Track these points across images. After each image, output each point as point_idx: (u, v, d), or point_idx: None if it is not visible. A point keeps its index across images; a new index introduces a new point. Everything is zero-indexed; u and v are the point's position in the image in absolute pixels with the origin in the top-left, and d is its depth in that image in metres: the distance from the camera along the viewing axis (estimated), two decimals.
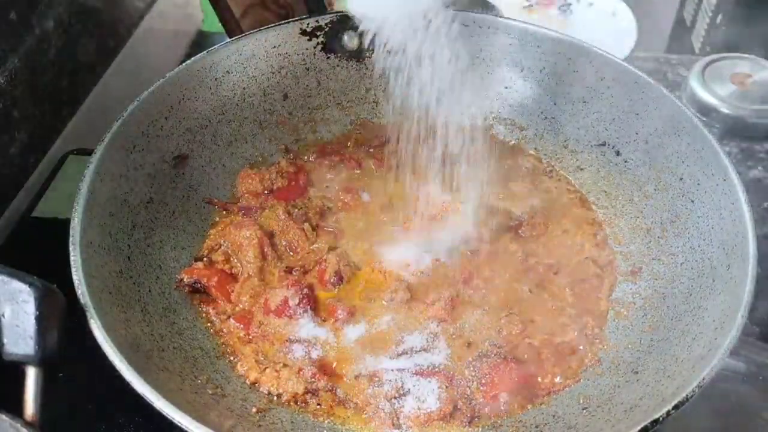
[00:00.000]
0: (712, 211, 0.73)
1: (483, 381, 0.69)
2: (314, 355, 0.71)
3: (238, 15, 1.00)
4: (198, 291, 0.75)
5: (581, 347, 0.73)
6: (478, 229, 0.83)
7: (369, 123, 0.97)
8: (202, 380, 0.66)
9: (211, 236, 0.81)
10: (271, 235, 0.81)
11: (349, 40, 0.93)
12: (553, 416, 0.66)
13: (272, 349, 0.72)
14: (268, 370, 0.69)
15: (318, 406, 0.68)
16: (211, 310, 0.75)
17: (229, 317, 0.74)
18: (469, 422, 0.67)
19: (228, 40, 0.89)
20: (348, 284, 0.78)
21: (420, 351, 0.72)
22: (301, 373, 0.69)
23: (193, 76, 0.84)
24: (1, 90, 0.85)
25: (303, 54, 0.92)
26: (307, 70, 0.93)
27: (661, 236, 0.78)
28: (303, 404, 0.68)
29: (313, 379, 0.68)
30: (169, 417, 0.54)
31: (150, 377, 0.56)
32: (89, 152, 0.72)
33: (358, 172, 0.91)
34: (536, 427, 0.65)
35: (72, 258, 0.62)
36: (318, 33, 0.91)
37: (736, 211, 0.69)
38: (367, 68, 0.95)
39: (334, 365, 0.71)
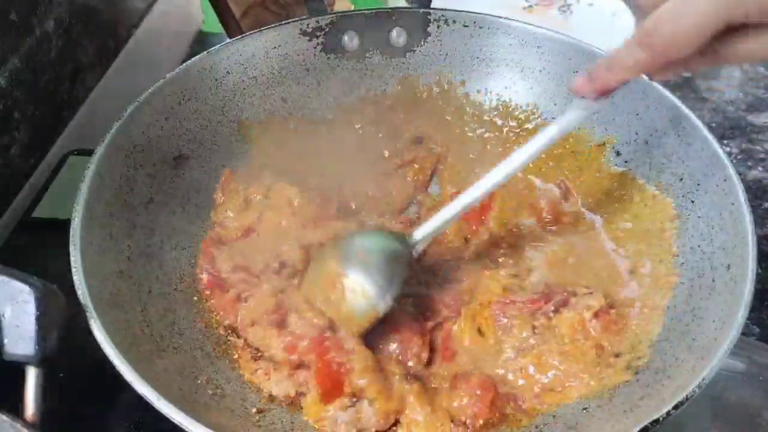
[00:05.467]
0: (712, 211, 0.72)
1: None
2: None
3: (238, 15, 1.00)
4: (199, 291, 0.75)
5: None
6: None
7: None
8: (202, 380, 0.66)
9: None
10: None
11: (349, 40, 0.93)
12: (553, 416, 0.66)
13: (272, 350, 0.72)
14: (268, 371, 0.69)
15: None
16: (211, 311, 0.75)
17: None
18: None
19: (228, 40, 0.89)
20: None
21: None
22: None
23: (193, 76, 0.84)
24: (1, 90, 0.85)
25: (303, 54, 0.92)
26: (307, 70, 0.93)
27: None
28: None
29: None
30: (169, 417, 0.54)
31: (150, 377, 0.56)
32: (89, 152, 0.72)
33: None
34: (536, 427, 0.65)
35: (72, 258, 0.62)
36: (318, 33, 0.91)
37: (736, 211, 0.69)
38: (367, 68, 0.95)
39: None
